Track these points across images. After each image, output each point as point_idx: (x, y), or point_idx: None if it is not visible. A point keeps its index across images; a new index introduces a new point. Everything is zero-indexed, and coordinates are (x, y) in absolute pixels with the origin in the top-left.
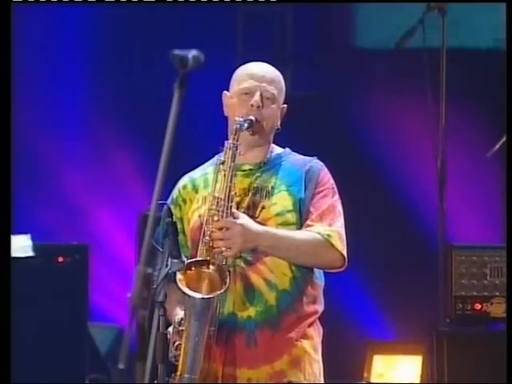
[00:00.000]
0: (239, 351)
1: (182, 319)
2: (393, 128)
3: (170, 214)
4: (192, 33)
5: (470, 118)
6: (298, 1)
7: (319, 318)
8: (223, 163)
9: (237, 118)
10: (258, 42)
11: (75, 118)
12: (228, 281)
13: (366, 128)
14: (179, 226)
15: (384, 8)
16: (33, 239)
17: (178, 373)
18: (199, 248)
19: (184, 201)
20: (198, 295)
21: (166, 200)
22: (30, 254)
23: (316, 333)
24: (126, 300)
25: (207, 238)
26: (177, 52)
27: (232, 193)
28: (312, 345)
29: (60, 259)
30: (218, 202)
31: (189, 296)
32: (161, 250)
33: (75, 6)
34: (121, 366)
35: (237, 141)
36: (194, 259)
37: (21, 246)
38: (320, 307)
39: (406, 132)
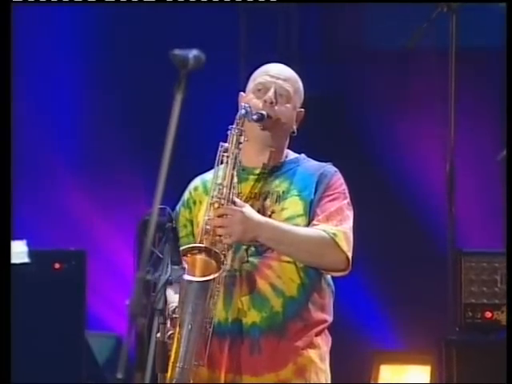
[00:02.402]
0: (243, 358)
1: (176, 307)
2: (400, 130)
3: (170, 220)
4: (193, 32)
5: (480, 119)
6: (302, 0)
7: (327, 328)
8: (226, 150)
9: (242, 104)
10: (262, 42)
11: (73, 122)
12: (223, 266)
13: (372, 129)
14: (189, 228)
15: (393, 6)
16: (28, 245)
17: (170, 362)
18: (199, 236)
19: (194, 203)
20: (192, 278)
21: (167, 204)
22: (26, 260)
23: (324, 342)
24: (124, 308)
25: (208, 226)
26: (177, 52)
27: (235, 180)
28: (319, 354)
29: (56, 265)
30: (219, 189)
31: (184, 280)
32: (160, 255)
33: (74, 6)
34: (119, 375)
35: (242, 126)
36: (189, 245)
37: (16, 252)
38: (329, 316)
39: (414, 134)
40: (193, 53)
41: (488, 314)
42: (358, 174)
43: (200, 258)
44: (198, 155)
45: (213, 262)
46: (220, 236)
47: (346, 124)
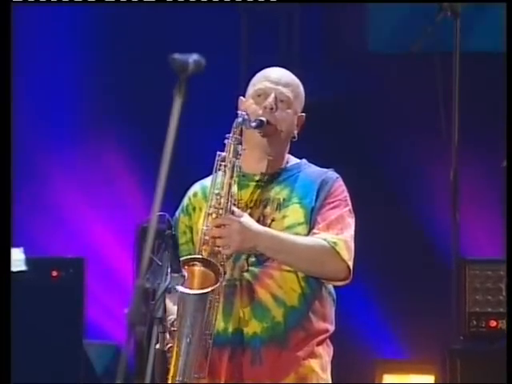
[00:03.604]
0: (244, 369)
1: (174, 320)
2: (404, 134)
3: (169, 226)
4: (194, 34)
5: (485, 124)
6: (304, 0)
7: (329, 337)
8: (224, 159)
9: (239, 112)
10: (263, 44)
11: (71, 127)
12: (221, 278)
13: (375, 134)
14: (188, 235)
15: (396, 9)
16: (25, 252)
17: (170, 375)
18: (198, 246)
19: (194, 209)
20: (189, 291)
21: (166, 211)
22: (23, 268)
23: (325, 352)
24: (123, 316)
25: (206, 236)
26: (177, 56)
27: (232, 189)
28: (320, 364)
29: (54, 273)
30: (217, 199)
31: (181, 292)
32: (160, 263)
33: (74, 7)
34: None
35: (239, 135)
36: (187, 257)
37: (13, 259)
38: (331, 326)
39: (417, 138)
40: (193, 57)
41: (493, 323)
42: (362, 179)
43: (198, 269)
44: (198, 160)
45: (211, 273)
46: (219, 246)
47: (347, 128)
